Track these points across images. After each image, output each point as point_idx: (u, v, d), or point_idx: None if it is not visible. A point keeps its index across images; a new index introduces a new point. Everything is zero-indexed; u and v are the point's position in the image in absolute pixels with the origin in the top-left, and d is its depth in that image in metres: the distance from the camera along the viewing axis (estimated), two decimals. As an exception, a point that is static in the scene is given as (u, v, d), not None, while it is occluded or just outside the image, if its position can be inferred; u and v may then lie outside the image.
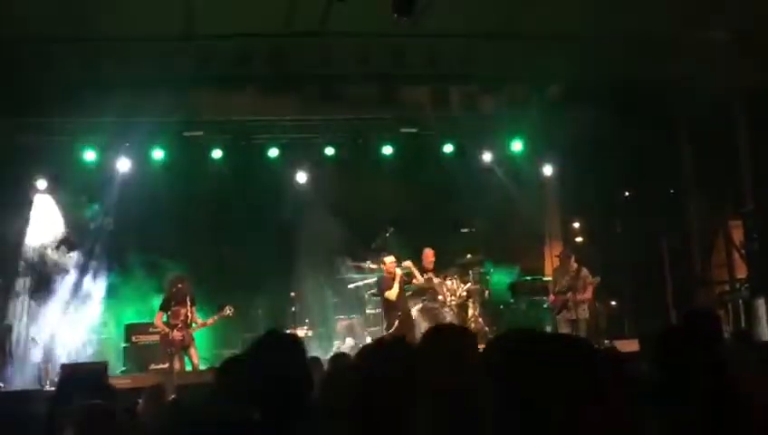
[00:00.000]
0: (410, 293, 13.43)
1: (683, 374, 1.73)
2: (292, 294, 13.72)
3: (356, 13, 10.28)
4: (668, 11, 10.86)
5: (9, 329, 12.55)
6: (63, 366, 10.37)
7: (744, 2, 10.91)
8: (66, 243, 13.73)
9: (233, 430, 2.39)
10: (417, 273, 12.65)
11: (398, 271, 12.39)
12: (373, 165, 14.49)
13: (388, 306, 12.45)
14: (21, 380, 12.15)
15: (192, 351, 12.33)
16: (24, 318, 13.05)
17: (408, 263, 12.59)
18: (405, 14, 9.55)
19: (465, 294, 13.31)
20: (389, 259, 12.53)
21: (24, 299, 13.21)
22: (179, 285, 12.33)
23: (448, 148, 14.49)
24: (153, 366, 12.56)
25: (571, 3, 10.69)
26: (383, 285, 12.55)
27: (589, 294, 12.76)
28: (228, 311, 12.61)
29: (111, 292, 13.63)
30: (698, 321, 5.00)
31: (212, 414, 2.40)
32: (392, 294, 12.30)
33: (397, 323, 12.20)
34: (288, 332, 6.58)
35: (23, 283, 13.33)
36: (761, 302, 12.41)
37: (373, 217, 14.14)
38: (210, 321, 12.58)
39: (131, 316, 13.55)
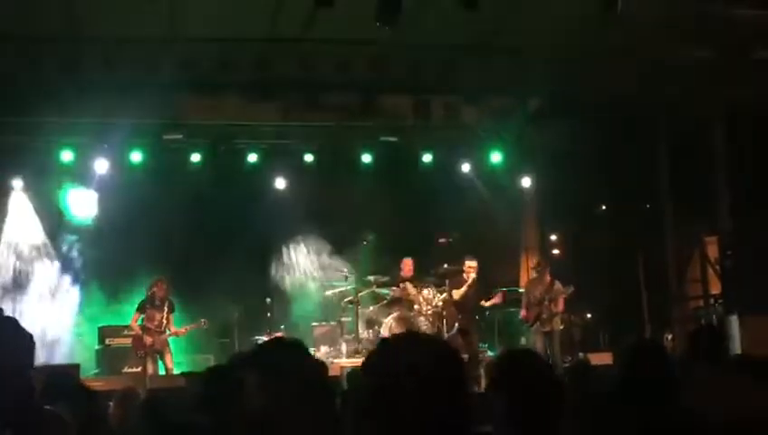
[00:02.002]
0: (386, 302, 13.46)
1: (643, 385, 1.76)
2: (268, 300, 13.70)
3: (340, 21, 10.29)
4: (650, 29, 10.93)
5: None
6: (35, 369, 10.21)
7: (726, 21, 10.99)
8: (41, 244, 13.62)
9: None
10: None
11: (473, 276, 12.87)
12: (352, 173, 14.49)
13: (451, 304, 12.88)
14: None
15: (167, 356, 12.29)
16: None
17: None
18: (389, 23, 9.56)
19: (440, 304, 13.31)
20: (471, 262, 12.94)
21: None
22: (154, 288, 12.28)
23: (428, 157, 14.51)
24: (127, 369, 12.49)
25: (554, 18, 10.73)
26: (453, 283, 12.95)
27: (560, 306, 12.82)
28: (203, 324, 12.67)
29: (85, 294, 13.51)
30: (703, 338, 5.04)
31: (178, 418, 2.40)
32: (457, 293, 12.85)
33: (457, 324, 12.72)
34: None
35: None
36: (734, 318, 12.53)
37: (352, 224, 14.15)
38: (183, 330, 12.55)
39: (105, 320, 13.41)
